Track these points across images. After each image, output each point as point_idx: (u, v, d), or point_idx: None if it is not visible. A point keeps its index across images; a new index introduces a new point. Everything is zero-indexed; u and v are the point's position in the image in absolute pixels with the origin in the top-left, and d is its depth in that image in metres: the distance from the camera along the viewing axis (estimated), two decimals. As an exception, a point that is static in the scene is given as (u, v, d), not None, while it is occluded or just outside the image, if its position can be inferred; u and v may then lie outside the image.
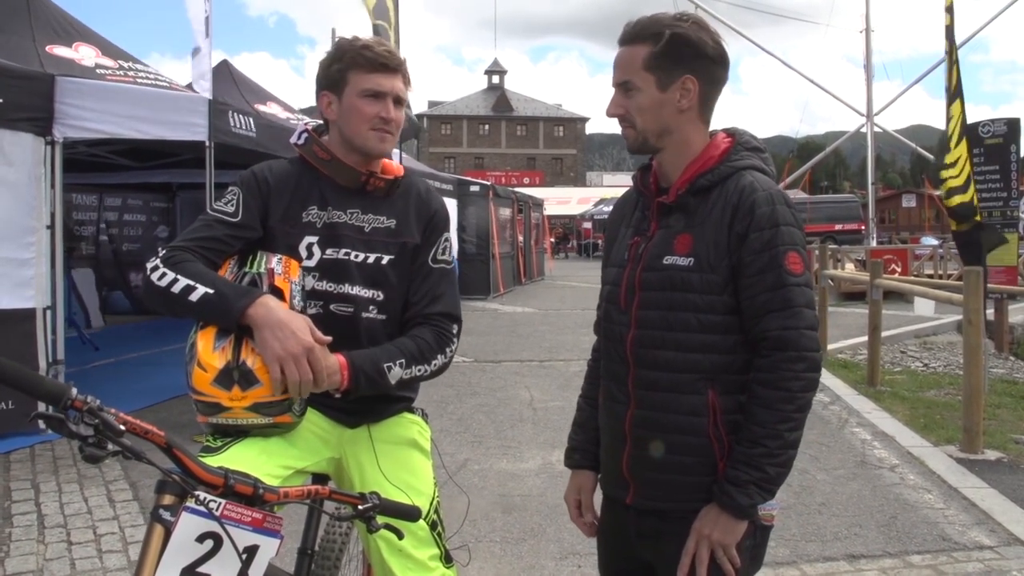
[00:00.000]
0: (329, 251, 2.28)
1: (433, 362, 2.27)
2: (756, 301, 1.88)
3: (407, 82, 2.34)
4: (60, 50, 7.56)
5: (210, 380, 1.98)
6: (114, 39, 8.65)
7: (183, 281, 2.07)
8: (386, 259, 2.32)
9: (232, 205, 2.25)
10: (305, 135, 2.38)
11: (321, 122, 2.41)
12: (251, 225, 2.25)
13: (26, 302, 6.41)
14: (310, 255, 2.27)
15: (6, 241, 6.29)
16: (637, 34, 1.95)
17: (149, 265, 2.13)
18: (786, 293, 1.86)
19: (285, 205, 2.28)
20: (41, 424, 5.80)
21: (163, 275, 2.09)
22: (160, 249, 2.18)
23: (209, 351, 2.00)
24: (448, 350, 2.32)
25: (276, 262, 2.19)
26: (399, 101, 2.31)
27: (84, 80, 6.94)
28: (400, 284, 2.34)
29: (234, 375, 1.98)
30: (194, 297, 2.04)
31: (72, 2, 9.25)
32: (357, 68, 2.26)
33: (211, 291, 2.05)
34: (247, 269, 2.19)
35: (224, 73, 10.09)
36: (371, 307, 2.30)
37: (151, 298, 2.13)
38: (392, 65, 2.28)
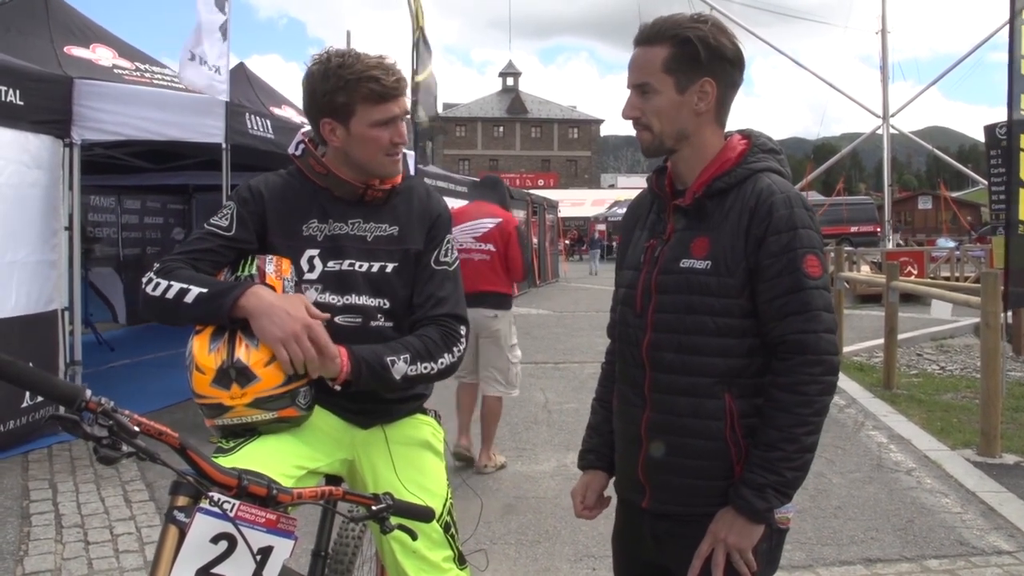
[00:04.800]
0: (331, 263, 2.27)
1: (440, 360, 2.25)
2: (774, 304, 1.86)
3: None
4: (78, 51, 7.59)
5: (209, 382, 2.00)
6: (128, 40, 8.67)
7: (176, 286, 2.09)
8: (390, 267, 2.31)
9: (226, 220, 2.26)
10: (302, 146, 2.37)
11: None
12: (245, 239, 2.25)
13: (51, 304, 6.47)
14: (311, 268, 2.26)
15: (37, 244, 6.34)
16: (655, 35, 1.92)
17: (144, 279, 2.15)
18: (804, 296, 1.84)
19: (283, 220, 2.28)
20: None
21: (156, 285, 2.11)
22: (155, 263, 2.20)
23: (205, 353, 2.02)
24: (456, 350, 2.30)
25: (267, 262, 2.21)
26: (405, 115, 2.31)
27: (102, 82, 6.98)
28: (405, 291, 2.33)
29: (231, 373, 2.00)
30: (189, 299, 2.07)
31: (87, 3, 9.30)
32: (366, 101, 2.21)
33: (204, 290, 2.07)
34: (239, 273, 2.21)
35: (240, 76, 10.10)
36: (379, 315, 2.29)
37: (147, 309, 2.15)
38: (401, 90, 2.26)
